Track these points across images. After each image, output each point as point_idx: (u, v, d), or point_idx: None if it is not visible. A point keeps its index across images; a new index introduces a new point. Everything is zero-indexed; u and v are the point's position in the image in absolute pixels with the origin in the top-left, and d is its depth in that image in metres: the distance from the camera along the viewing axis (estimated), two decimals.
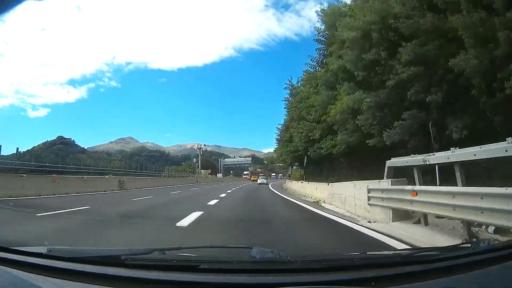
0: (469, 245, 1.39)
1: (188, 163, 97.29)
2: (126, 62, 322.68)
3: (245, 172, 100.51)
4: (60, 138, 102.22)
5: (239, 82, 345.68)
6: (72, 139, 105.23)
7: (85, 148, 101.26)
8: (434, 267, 1.19)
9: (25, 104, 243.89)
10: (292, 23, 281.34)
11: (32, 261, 1.27)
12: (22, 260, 1.29)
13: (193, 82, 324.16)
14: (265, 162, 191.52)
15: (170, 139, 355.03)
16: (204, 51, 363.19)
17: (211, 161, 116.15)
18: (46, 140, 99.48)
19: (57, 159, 27.01)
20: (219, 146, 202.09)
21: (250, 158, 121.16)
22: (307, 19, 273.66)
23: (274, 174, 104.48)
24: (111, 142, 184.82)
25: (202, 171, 70.63)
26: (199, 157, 71.53)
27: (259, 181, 43.75)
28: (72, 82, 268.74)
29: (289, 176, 37.60)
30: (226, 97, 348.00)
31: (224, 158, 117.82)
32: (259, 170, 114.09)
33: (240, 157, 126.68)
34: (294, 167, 35.68)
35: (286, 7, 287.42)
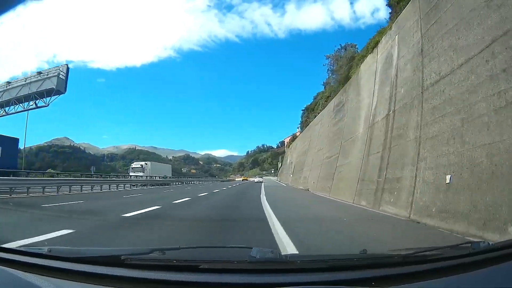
0: (469, 244, 1.35)
1: None
2: (67, 60, 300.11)
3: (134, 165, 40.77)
4: None
5: (176, 83, 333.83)
6: None
7: None
8: (435, 267, 1.19)
9: None
10: (234, 24, 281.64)
11: (32, 261, 1.27)
12: (22, 260, 1.28)
13: (132, 82, 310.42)
14: (201, 162, 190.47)
15: (107, 140, 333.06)
16: (143, 51, 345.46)
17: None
18: None
19: None
20: (155, 147, 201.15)
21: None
22: (249, 20, 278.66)
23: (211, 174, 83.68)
24: (46, 142, 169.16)
25: None
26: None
27: (256, 180, 44.72)
28: None
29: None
30: (164, 98, 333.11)
31: None
32: (194, 171, 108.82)
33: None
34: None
35: (229, 8, 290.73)
